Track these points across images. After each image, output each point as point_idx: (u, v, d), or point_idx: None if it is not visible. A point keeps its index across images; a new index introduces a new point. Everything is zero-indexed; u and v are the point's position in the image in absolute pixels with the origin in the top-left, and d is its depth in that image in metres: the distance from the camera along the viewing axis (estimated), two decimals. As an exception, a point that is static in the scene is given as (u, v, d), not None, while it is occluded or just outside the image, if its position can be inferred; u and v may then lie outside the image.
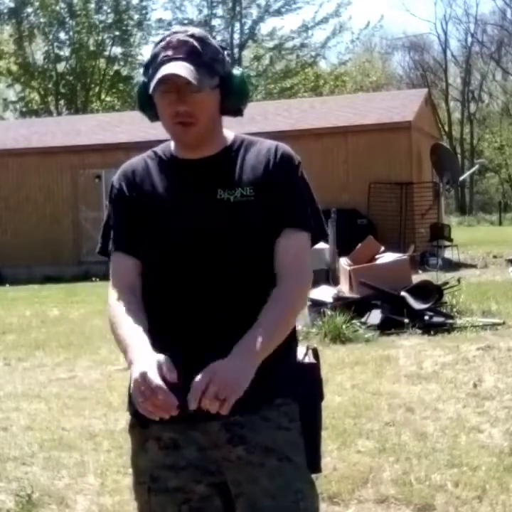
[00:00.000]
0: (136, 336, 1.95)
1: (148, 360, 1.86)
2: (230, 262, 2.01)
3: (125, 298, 2.05)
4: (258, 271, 2.04)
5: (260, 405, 2.01)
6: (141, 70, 2.15)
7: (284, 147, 2.12)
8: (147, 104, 2.09)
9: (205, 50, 2.03)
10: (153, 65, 2.05)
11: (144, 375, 1.82)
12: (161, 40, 2.07)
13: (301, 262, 2.06)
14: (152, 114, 2.10)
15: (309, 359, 2.13)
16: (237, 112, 2.12)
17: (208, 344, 1.99)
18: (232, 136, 2.14)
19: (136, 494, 2.13)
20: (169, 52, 2.01)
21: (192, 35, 2.04)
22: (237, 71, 2.09)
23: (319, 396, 2.13)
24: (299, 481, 2.03)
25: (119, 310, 2.03)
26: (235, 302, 2.02)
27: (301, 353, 2.14)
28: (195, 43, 2.03)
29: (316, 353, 2.16)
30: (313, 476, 2.12)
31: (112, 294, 2.08)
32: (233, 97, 2.07)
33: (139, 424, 2.07)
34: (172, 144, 2.15)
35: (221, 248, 2.01)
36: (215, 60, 2.05)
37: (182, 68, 1.98)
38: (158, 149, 2.18)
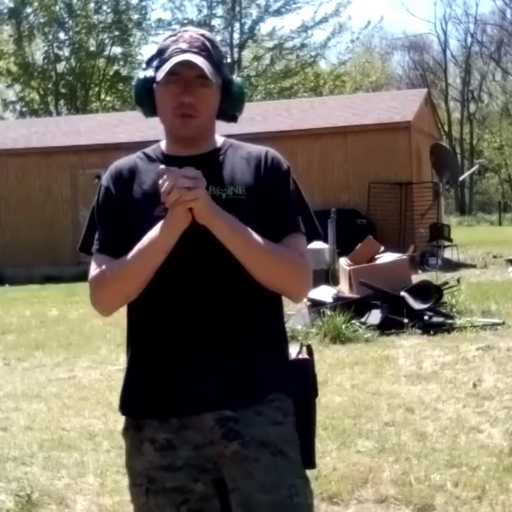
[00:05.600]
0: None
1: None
2: (223, 258, 2.00)
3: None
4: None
5: (253, 401, 2.02)
6: (143, 65, 2.15)
7: (274, 153, 2.14)
8: (145, 99, 2.10)
9: (214, 50, 2.08)
10: (160, 57, 2.07)
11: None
12: (170, 36, 2.10)
13: (303, 252, 2.07)
14: (148, 109, 2.12)
15: (303, 356, 2.15)
16: (232, 118, 2.16)
17: (205, 338, 2.01)
18: (222, 140, 2.16)
19: (133, 496, 2.13)
20: (182, 46, 2.05)
21: (203, 35, 2.10)
22: (236, 78, 2.13)
23: (313, 392, 2.14)
24: (292, 476, 2.03)
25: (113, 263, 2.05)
26: (229, 300, 2.03)
27: (295, 350, 2.16)
28: (206, 42, 2.07)
29: (310, 350, 2.17)
30: (311, 473, 2.13)
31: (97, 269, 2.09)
32: (232, 102, 2.11)
33: (134, 426, 2.10)
34: (163, 144, 2.16)
35: (214, 244, 1.99)
36: (221, 62, 2.10)
37: (198, 59, 2.01)
38: (148, 150, 2.17)
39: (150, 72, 2.09)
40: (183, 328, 2.02)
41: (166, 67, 2.01)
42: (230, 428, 2.01)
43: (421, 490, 4.10)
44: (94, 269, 2.10)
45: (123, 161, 2.16)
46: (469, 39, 55.27)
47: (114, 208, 2.09)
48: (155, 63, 2.09)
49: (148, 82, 2.08)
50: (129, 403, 2.13)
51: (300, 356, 2.14)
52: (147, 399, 2.07)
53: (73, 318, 11.66)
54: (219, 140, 2.16)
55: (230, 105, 2.12)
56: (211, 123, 2.11)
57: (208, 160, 2.09)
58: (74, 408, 6.17)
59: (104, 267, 2.06)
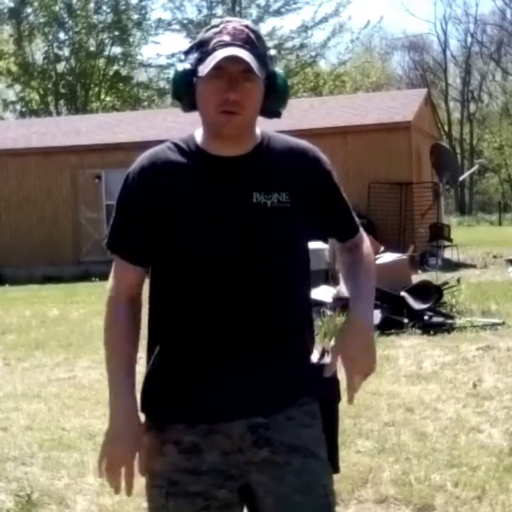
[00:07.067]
0: (124, 378, 2.01)
1: (124, 420, 2.00)
2: (269, 267, 1.96)
3: (125, 315, 2.02)
4: (295, 277, 2.02)
5: (284, 405, 1.99)
6: (181, 57, 2.03)
7: (317, 151, 2.11)
8: (185, 93, 1.99)
9: (259, 42, 1.97)
10: (202, 49, 1.95)
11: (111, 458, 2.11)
12: (212, 26, 1.98)
13: (370, 249, 2.17)
14: (187, 104, 2.01)
15: (326, 359, 2.11)
16: (276, 114, 2.07)
17: (242, 342, 1.96)
18: (260, 132, 2.07)
19: (150, 497, 2.08)
20: (226, 38, 1.93)
21: (246, 26, 1.97)
22: (279, 71, 2.04)
23: (338, 396, 2.11)
24: (325, 476, 2.02)
25: (116, 331, 2.02)
26: (271, 304, 1.98)
27: (319, 353, 2.12)
28: (251, 34, 1.96)
29: None
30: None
31: (112, 300, 2.03)
32: (276, 96, 2.03)
33: (156, 427, 2.03)
34: (198, 137, 2.04)
35: (259, 253, 1.95)
36: (266, 55, 1.99)
37: (243, 53, 1.90)
38: (180, 141, 2.04)
39: (189, 65, 1.97)
40: (219, 332, 1.96)
41: (211, 61, 1.89)
42: (260, 435, 1.97)
43: (421, 490, 4.10)
44: (111, 285, 2.05)
45: (154, 155, 2.02)
46: (469, 39, 55.37)
47: (149, 209, 1.97)
48: (195, 55, 1.97)
49: (188, 74, 1.97)
50: (153, 406, 2.04)
51: (326, 360, 2.09)
52: (175, 403, 1.99)
53: (73, 318, 11.66)
54: (258, 133, 2.06)
55: (275, 100, 2.02)
56: (254, 120, 2.01)
57: (251, 162, 2.00)
58: (74, 408, 6.17)
59: (114, 320, 2.02)
